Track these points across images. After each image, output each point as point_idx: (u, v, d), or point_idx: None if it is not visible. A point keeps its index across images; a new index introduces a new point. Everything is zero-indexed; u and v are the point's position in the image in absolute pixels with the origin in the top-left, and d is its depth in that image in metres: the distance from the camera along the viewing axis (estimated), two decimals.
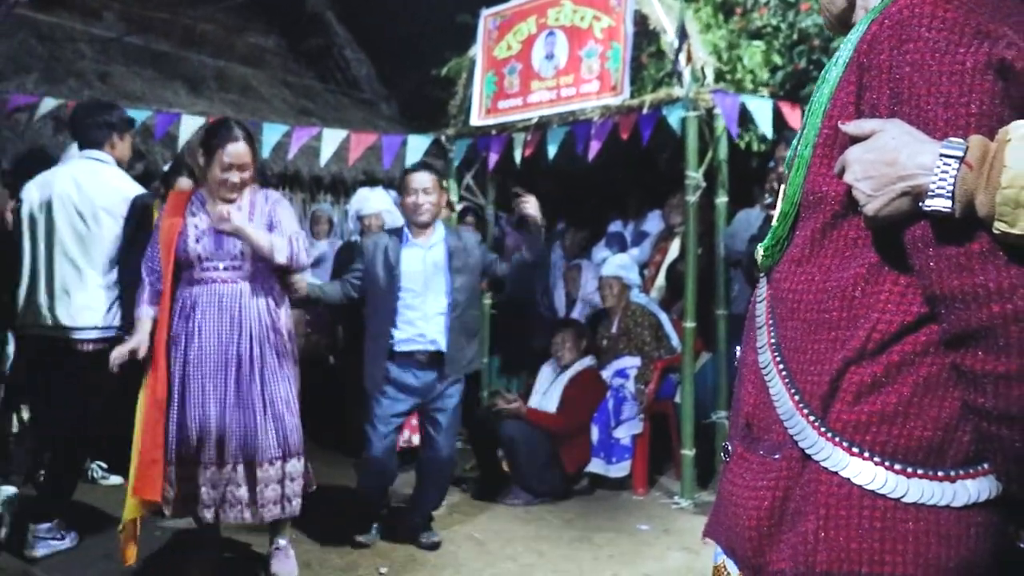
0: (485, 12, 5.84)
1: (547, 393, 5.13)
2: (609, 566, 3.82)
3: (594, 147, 5.12)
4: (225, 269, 3.34)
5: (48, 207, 3.76)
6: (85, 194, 3.72)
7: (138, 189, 3.83)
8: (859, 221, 1.14)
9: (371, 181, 6.94)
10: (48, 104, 5.62)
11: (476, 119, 5.87)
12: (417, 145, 5.98)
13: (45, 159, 5.28)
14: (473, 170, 6.30)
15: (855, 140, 1.11)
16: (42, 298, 3.73)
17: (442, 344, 3.94)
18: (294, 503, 3.40)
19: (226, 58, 8.16)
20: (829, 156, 1.18)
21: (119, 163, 3.91)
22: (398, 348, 3.92)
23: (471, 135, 5.98)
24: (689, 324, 4.84)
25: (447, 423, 4.00)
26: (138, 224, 3.70)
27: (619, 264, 5.52)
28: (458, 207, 6.37)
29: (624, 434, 5.05)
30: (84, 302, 3.70)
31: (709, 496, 4.88)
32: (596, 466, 5.05)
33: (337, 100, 8.96)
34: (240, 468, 3.31)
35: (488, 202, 6.45)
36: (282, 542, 3.55)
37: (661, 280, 5.92)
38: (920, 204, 1.05)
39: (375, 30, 9.26)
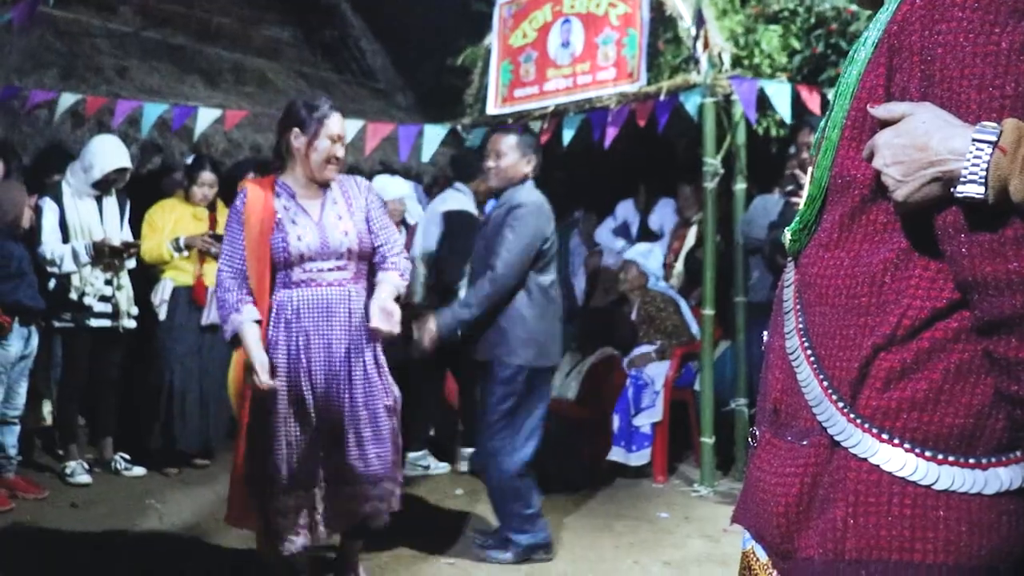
0: (500, 0, 5.82)
1: (567, 380, 5.14)
2: (630, 554, 3.82)
3: (610, 133, 5.09)
4: (331, 270, 3.03)
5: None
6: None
7: (454, 207, 5.05)
8: (888, 206, 1.12)
9: (388, 171, 6.92)
10: (67, 100, 5.65)
11: (492, 108, 5.86)
12: (434, 135, 5.97)
13: (63, 156, 5.33)
14: None
15: (884, 124, 1.09)
16: None
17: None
18: (381, 521, 3.17)
19: (242, 51, 8.17)
20: (858, 139, 1.16)
21: (476, 193, 5.31)
22: None
23: (487, 124, 5.97)
24: (708, 312, 4.83)
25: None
26: (445, 232, 5.00)
27: (640, 251, 5.52)
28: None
29: (644, 422, 5.05)
30: None
31: (729, 483, 4.88)
32: (616, 454, 5.05)
33: (353, 91, 8.96)
34: (344, 488, 3.07)
35: None
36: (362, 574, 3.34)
37: (680, 267, 5.90)
38: (952, 190, 1.02)
39: (390, 20, 9.23)
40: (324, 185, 3.13)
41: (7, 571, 3.43)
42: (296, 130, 3.04)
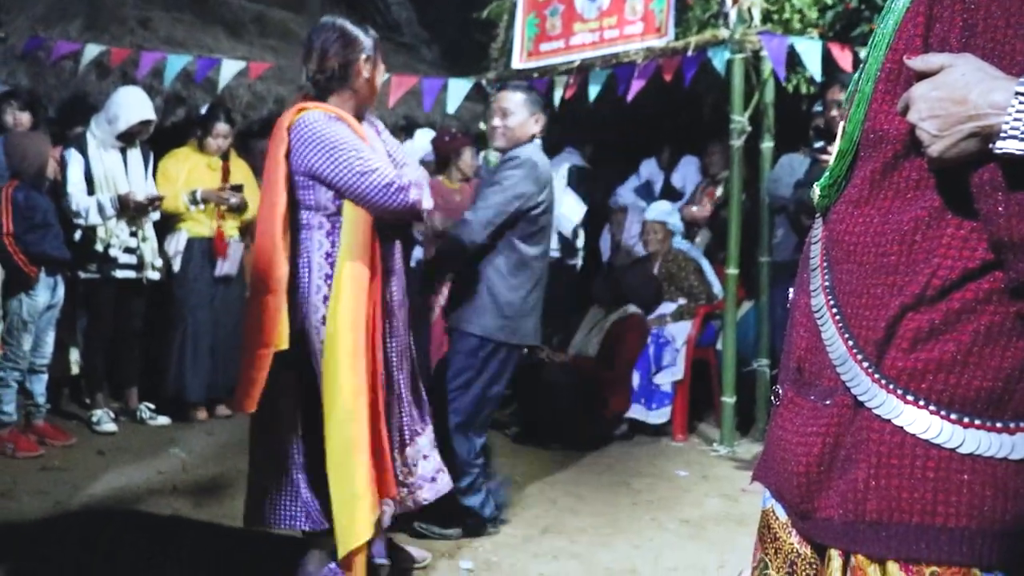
0: None
1: (589, 334, 5.15)
2: (647, 511, 3.84)
3: (635, 86, 5.02)
4: None
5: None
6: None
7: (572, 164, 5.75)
8: (922, 162, 1.08)
9: (412, 124, 6.89)
10: (91, 51, 5.65)
11: (517, 62, 5.79)
12: (458, 89, 5.92)
13: (88, 107, 5.35)
14: None
15: (921, 76, 1.05)
16: None
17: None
18: (445, 475, 3.02)
19: (265, 2, 8.09)
20: (892, 92, 1.11)
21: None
22: None
23: (512, 79, 5.90)
24: (732, 271, 4.80)
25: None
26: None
27: (663, 210, 5.48)
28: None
29: (665, 380, 5.05)
30: None
31: (748, 444, 4.89)
32: (636, 412, 5.06)
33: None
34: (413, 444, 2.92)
35: None
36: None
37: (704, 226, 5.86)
38: (990, 146, 0.98)
39: None
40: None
41: (36, 515, 3.50)
42: (364, 56, 2.75)
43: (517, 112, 3.46)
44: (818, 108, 4.70)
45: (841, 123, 1.22)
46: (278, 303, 2.63)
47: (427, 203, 2.78)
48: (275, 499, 2.80)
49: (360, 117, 2.83)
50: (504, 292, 3.39)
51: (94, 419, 4.83)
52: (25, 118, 4.89)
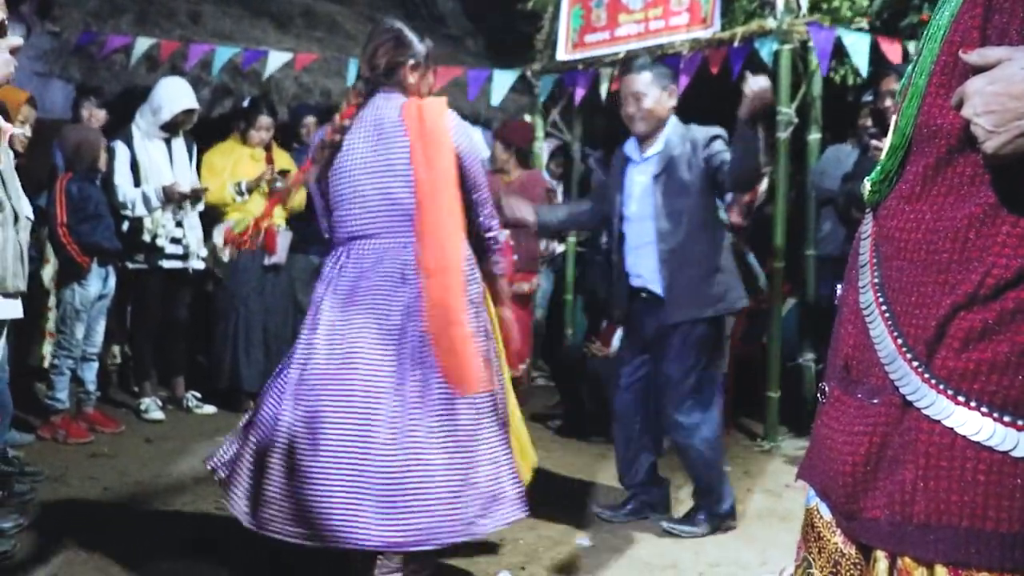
0: None
1: None
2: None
3: (682, 82, 4.98)
4: None
5: None
6: None
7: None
8: (976, 158, 1.05)
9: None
10: (142, 45, 5.76)
11: (562, 54, 5.77)
12: (503, 80, 5.92)
13: (139, 100, 5.44)
14: (559, 106, 6.22)
15: (977, 70, 1.02)
16: None
17: (653, 283, 3.34)
18: None
19: None
20: (947, 86, 1.09)
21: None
22: (633, 284, 3.43)
23: (557, 70, 5.89)
24: (778, 264, 4.74)
25: (667, 385, 3.34)
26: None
27: None
28: (545, 144, 6.32)
29: None
30: None
31: (792, 439, 4.82)
32: None
33: (423, 36, 8.90)
34: None
35: (575, 138, 6.37)
36: None
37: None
38: None
39: None
40: None
41: (85, 500, 3.58)
42: (412, 61, 2.75)
43: (649, 91, 3.32)
44: (867, 98, 4.62)
45: (893, 117, 1.20)
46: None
47: None
48: None
49: None
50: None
51: (142, 407, 4.92)
52: (101, 115, 5.02)
